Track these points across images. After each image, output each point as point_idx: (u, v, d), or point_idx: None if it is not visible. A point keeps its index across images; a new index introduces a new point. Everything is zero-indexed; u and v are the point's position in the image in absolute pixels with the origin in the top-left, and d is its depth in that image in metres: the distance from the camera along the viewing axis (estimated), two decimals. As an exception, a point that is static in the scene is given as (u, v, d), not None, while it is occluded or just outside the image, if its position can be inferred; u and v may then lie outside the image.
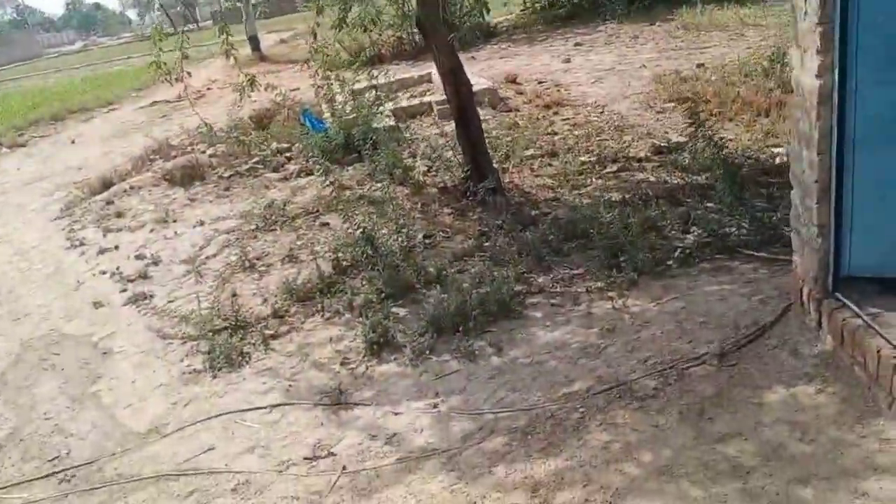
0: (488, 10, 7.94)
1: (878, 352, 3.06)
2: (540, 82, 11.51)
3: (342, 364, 4.43)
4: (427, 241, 5.89)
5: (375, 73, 8.57)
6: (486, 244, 5.57)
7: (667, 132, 8.02)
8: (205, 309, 5.27)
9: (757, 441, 3.08)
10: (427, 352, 4.32)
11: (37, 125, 16.63)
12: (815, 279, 3.58)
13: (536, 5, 19.60)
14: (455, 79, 6.57)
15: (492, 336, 4.39)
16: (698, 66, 10.72)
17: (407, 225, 5.84)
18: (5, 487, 3.86)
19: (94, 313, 5.86)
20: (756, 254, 4.86)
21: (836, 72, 3.25)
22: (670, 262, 4.91)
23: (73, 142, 14.12)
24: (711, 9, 15.33)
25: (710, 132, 5.95)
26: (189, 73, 6.07)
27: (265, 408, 4.13)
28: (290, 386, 4.31)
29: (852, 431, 3.01)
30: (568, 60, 13.10)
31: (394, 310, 4.89)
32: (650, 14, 16.41)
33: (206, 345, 4.85)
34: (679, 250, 5.01)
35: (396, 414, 3.84)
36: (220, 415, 4.13)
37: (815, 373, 3.42)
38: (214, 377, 4.55)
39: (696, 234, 5.25)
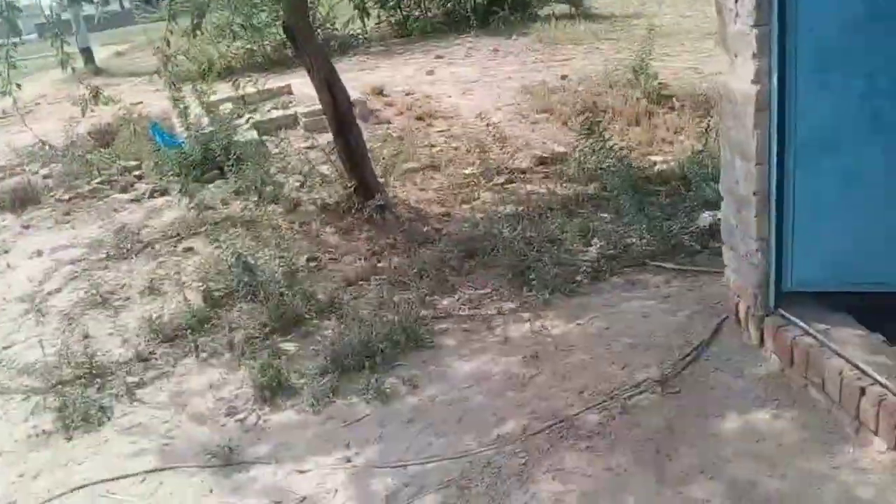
0: (368, 15, 7.44)
1: (840, 373, 2.85)
2: (408, 94, 11.11)
3: (228, 415, 3.77)
4: (312, 264, 5.32)
5: (242, 82, 7.81)
6: (381, 265, 5.08)
7: (545, 142, 7.86)
8: (51, 356, 4.42)
9: (724, 479, 2.77)
10: (330, 394, 3.74)
11: None
12: (755, 295, 3.37)
13: (391, 20, 19.28)
14: (331, 89, 6.04)
15: (403, 370, 3.88)
16: (562, 77, 10.72)
17: (288, 247, 5.24)
18: None
19: None
20: (665, 265, 4.69)
21: (776, 77, 3.05)
22: (579, 278, 4.64)
23: None
24: (565, 24, 15.60)
25: (603, 141, 5.79)
26: (19, 86, 5.24)
27: (138, 475, 3.41)
28: (166, 445, 3.61)
29: (823, 462, 2.77)
30: (432, 73, 12.80)
31: (283, 346, 4.30)
32: (506, 29, 16.48)
33: (56, 399, 4.01)
34: (587, 265, 4.76)
35: (302, 472, 3.26)
36: (81, 487, 3.37)
37: (765, 396, 3.18)
38: (69, 439, 3.75)
39: (598, 246, 5.02)
